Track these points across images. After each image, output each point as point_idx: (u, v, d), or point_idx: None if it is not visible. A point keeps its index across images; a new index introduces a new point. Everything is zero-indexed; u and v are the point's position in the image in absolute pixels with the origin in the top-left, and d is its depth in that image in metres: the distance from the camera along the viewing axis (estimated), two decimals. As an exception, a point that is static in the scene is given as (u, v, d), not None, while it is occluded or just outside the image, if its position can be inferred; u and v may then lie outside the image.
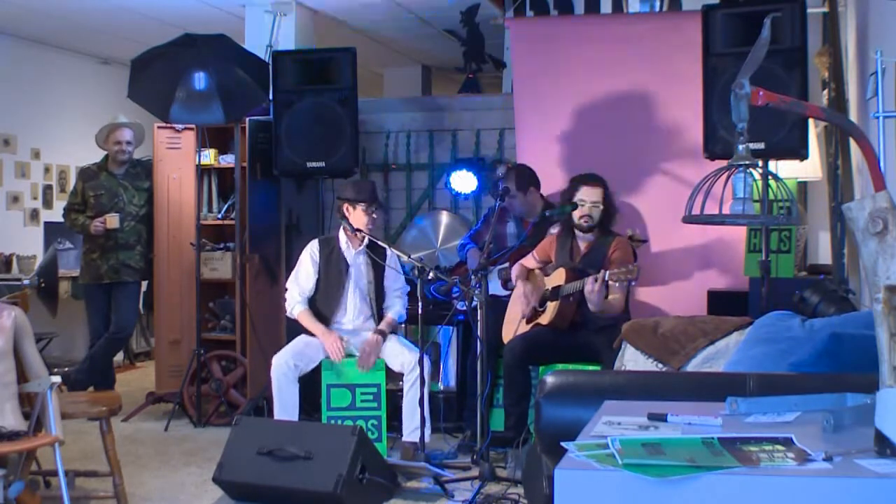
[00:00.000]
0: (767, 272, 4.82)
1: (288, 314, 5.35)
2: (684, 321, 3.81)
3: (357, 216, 5.17)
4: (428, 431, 4.88)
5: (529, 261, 5.23)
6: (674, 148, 5.67)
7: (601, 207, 4.98)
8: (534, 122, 6.00)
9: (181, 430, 5.88)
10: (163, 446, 5.47)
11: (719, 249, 5.59)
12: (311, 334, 5.18)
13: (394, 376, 5.23)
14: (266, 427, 4.43)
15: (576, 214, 5.00)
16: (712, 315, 4.24)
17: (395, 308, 5.29)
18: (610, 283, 4.65)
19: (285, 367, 5.01)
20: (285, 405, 4.98)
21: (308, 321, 5.20)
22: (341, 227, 5.29)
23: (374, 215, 5.21)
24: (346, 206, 5.19)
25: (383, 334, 5.15)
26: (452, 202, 6.80)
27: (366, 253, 5.26)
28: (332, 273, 5.25)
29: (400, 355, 5.07)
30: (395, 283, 5.34)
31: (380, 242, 5.27)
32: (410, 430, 4.96)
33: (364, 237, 5.21)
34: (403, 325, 5.60)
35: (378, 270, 5.29)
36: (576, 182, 5.06)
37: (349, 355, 5.17)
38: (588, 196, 4.97)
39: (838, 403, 1.94)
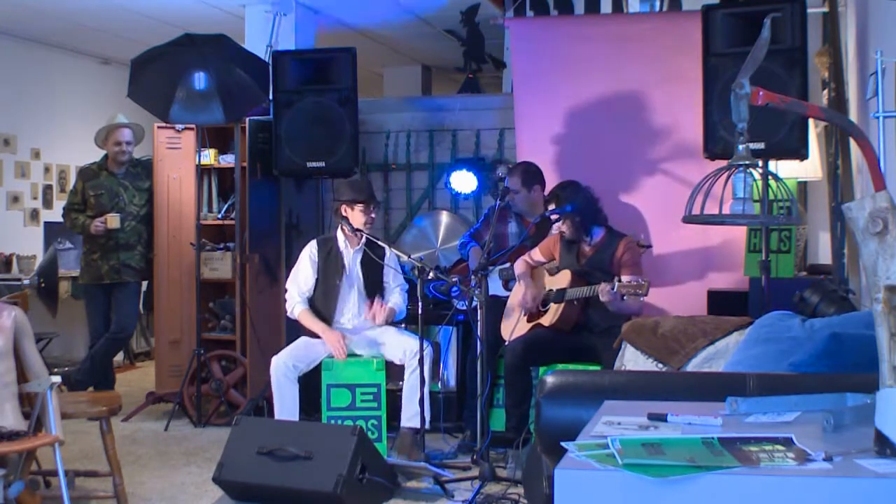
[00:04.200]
0: (767, 272, 4.82)
1: (288, 315, 5.36)
2: (684, 321, 3.81)
3: (356, 216, 5.18)
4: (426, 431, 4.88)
5: (534, 254, 5.22)
6: (674, 148, 5.66)
7: (567, 219, 4.95)
8: (534, 122, 6.00)
9: (181, 430, 5.88)
10: (163, 446, 5.47)
11: (719, 249, 5.59)
12: (312, 335, 5.19)
13: (394, 376, 5.24)
14: (266, 427, 4.43)
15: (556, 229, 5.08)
16: (712, 315, 4.24)
17: (395, 300, 5.30)
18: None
19: (284, 367, 5.01)
20: (285, 405, 4.99)
21: (309, 320, 5.20)
22: (339, 227, 5.29)
23: (373, 214, 5.23)
24: (343, 206, 5.20)
25: (390, 313, 5.21)
26: (452, 202, 6.80)
27: (364, 252, 5.27)
28: (331, 273, 5.26)
29: (401, 344, 5.09)
30: (395, 281, 5.35)
31: (379, 242, 5.28)
32: (409, 415, 4.96)
33: (362, 236, 5.22)
34: (403, 323, 5.59)
35: (377, 269, 5.30)
36: (546, 202, 5.12)
37: (351, 354, 5.18)
38: (553, 216, 5.03)
39: (838, 403, 1.94)
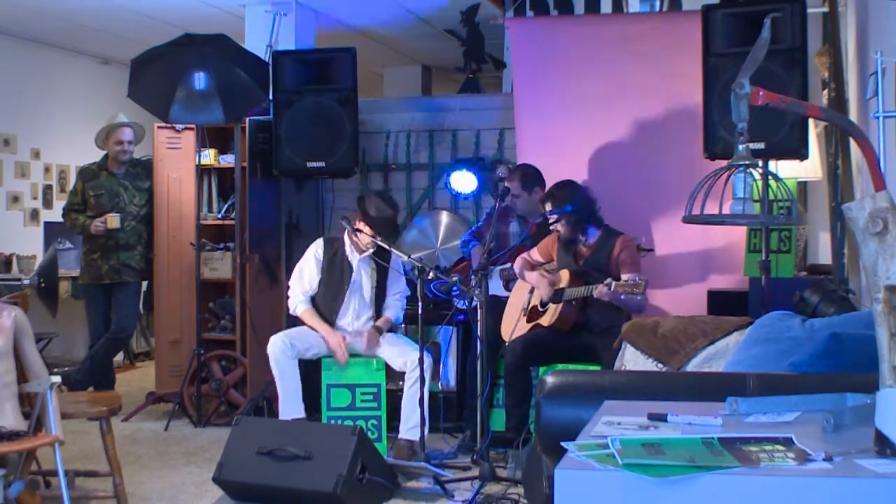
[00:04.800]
0: (767, 272, 4.82)
1: (291, 312, 5.36)
2: (684, 321, 3.81)
3: (358, 225, 5.15)
4: (426, 431, 4.87)
5: (533, 254, 5.23)
6: (674, 148, 5.66)
7: (562, 219, 4.94)
8: (534, 122, 6.00)
9: (181, 430, 5.88)
10: (163, 446, 5.47)
11: (719, 249, 5.59)
12: (312, 329, 5.19)
13: (394, 376, 5.23)
14: (266, 427, 4.43)
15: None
16: (712, 315, 4.24)
17: (393, 309, 5.30)
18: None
19: (282, 344, 5.01)
20: (287, 384, 4.97)
21: (312, 319, 5.21)
22: (346, 231, 5.27)
23: (377, 238, 5.17)
24: (358, 211, 5.18)
25: (379, 331, 5.17)
26: (452, 202, 6.80)
27: (370, 257, 5.25)
28: (335, 275, 5.25)
29: (402, 354, 5.08)
30: (395, 286, 5.33)
31: (385, 246, 5.24)
32: (408, 427, 4.96)
33: (371, 246, 5.18)
34: (403, 326, 5.59)
35: (381, 274, 5.29)
36: (542, 202, 5.11)
37: (351, 354, 5.18)
38: (550, 217, 5.01)
39: (838, 403, 1.94)
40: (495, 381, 5.25)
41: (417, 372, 4.80)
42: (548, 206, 5.00)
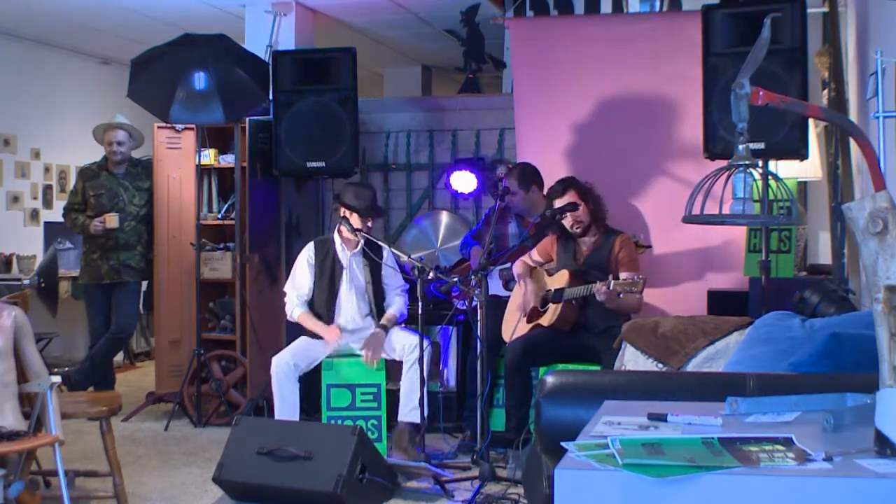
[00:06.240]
0: (767, 272, 4.82)
1: (288, 318, 5.37)
2: (684, 321, 3.81)
3: (354, 220, 5.17)
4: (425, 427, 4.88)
5: (533, 255, 5.23)
6: (674, 148, 5.66)
7: (579, 210, 4.93)
8: (534, 122, 6.00)
9: (181, 430, 5.88)
10: (163, 446, 5.47)
11: (719, 249, 5.59)
12: (312, 335, 5.20)
13: (394, 376, 5.23)
14: (266, 427, 4.43)
15: (566, 223, 4.98)
16: (712, 315, 4.24)
17: (396, 305, 5.30)
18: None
19: (286, 367, 5.02)
20: (285, 405, 4.99)
21: (308, 321, 5.21)
22: (337, 228, 5.29)
23: (370, 224, 5.21)
24: (343, 209, 5.20)
25: (385, 329, 5.17)
26: (452, 202, 6.80)
27: (362, 253, 5.27)
28: (328, 274, 5.26)
29: (400, 340, 5.11)
30: (394, 282, 5.34)
31: (377, 241, 5.28)
32: (407, 409, 4.96)
33: (361, 237, 5.21)
34: (403, 324, 5.60)
35: (375, 269, 5.30)
36: (550, 197, 5.05)
37: (350, 354, 5.18)
38: (567, 204, 4.95)
39: (838, 403, 1.94)
40: (495, 381, 5.25)
41: (415, 354, 4.80)
42: (556, 202, 4.95)
